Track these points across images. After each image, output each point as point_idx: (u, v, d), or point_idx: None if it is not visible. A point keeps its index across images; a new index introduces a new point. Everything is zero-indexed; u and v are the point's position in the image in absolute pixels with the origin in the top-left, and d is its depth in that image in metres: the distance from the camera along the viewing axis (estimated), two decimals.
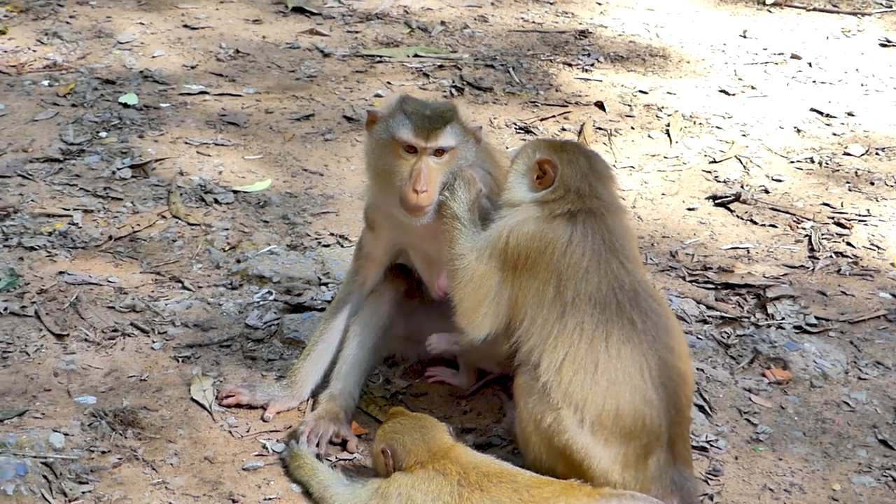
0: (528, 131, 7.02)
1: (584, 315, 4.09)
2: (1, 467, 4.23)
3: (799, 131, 7.18)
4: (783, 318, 5.40)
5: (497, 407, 4.82)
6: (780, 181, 6.63)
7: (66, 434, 4.50)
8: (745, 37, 8.48)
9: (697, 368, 5.01)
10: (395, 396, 4.88)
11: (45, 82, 7.23)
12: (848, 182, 6.63)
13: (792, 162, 6.83)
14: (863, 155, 6.92)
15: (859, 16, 8.93)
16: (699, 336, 5.28)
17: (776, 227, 6.18)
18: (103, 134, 6.71)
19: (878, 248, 6.01)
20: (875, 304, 5.57)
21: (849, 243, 6.03)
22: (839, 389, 5.01)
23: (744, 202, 6.36)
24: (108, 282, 5.46)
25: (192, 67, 7.57)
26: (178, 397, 4.77)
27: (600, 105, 7.35)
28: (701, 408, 4.82)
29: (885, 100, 7.63)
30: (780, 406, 4.90)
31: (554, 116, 7.21)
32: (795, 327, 5.34)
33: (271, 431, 4.63)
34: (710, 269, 5.78)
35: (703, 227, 6.16)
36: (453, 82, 7.54)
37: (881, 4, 9.10)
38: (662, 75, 7.85)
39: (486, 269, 4.25)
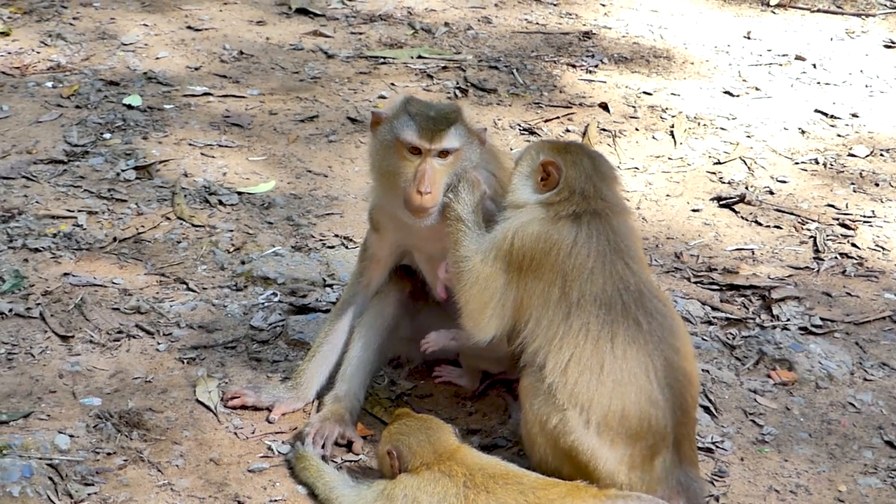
0: (532, 133, 7.01)
1: (589, 316, 4.09)
2: (6, 469, 4.23)
3: (803, 132, 7.17)
4: (788, 320, 5.39)
5: (502, 408, 4.82)
6: (784, 182, 6.62)
7: (71, 436, 4.50)
8: (749, 38, 8.47)
9: (703, 369, 5.01)
10: (400, 398, 4.88)
11: (49, 84, 7.23)
12: (853, 183, 6.63)
13: (796, 163, 6.82)
14: (867, 156, 6.91)
15: (863, 17, 8.92)
16: (704, 337, 5.27)
17: (781, 228, 6.18)
18: (107, 135, 6.70)
19: (884, 249, 6.00)
20: (880, 305, 5.56)
21: (854, 244, 6.02)
22: (845, 390, 5.00)
23: (748, 203, 6.36)
24: (113, 283, 5.45)
25: (196, 69, 7.57)
26: (183, 399, 4.76)
27: (604, 106, 7.34)
28: (706, 409, 4.82)
29: (889, 101, 7.62)
30: (786, 407, 4.89)
31: (558, 118, 7.21)
32: (801, 328, 5.34)
33: (276, 433, 4.63)
34: (715, 270, 5.77)
35: (708, 229, 6.16)
36: (457, 84, 7.54)
37: (885, 5, 9.09)
38: (666, 76, 7.85)
39: (492, 271, 4.24)
